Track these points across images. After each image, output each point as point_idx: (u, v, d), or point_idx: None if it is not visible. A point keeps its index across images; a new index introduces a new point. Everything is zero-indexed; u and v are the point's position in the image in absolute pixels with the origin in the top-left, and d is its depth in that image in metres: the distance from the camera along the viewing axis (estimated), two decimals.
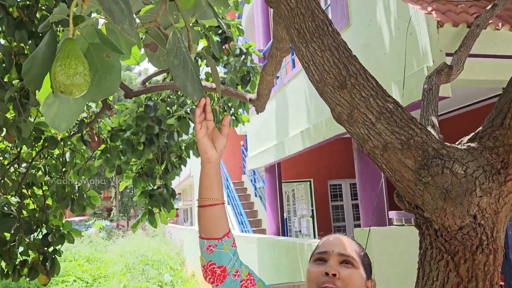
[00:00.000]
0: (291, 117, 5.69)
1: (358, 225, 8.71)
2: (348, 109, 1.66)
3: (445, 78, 2.39)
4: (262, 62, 7.02)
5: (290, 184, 8.85)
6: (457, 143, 1.62)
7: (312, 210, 8.35)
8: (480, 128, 1.55)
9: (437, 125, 2.04)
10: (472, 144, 1.50)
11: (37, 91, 0.84)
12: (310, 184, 8.50)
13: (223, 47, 4.53)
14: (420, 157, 1.46)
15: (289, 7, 1.89)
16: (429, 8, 3.23)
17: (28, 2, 2.85)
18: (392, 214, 3.42)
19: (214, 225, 1.04)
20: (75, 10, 0.81)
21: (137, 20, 1.11)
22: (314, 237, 8.21)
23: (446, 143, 1.51)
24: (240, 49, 4.37)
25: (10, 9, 2.80)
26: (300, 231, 8.51)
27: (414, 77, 2.98)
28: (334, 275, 1.07)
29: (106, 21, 0.95)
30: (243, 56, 4.38)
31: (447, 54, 2.92)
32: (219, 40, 4.43)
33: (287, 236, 7.94)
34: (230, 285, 1.02)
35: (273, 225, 6.66)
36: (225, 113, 4.91)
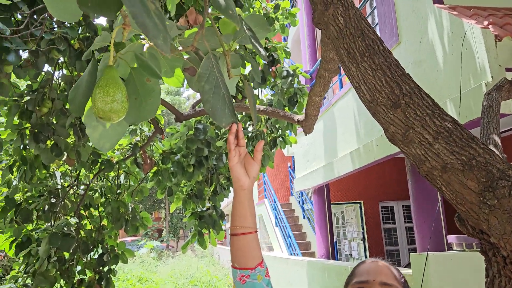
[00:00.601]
0: (340, 137, 5.60)
1: (413, 249, 8.30)
2: (402, 129, 1.61)
3: (506, 94, 2.26)
4: (309, 83, 7.01)
5: (339, 206, 8.65)
6: None
7: (363, 233, 8.08)
8: None
9: (500, 144, 1.93)
10: None
11: (85, 120, 0.87)
12: (360, 206, 8.25)
13: (270, 69, 4.58)
14: (483, 179, 1.38)
15: (338, 27, 1.88)
16: (485, 23, 3.10)
17: (87, 34, 3.03)
18: (452, 238, 3.22)
19: (247, 254, 1.02)
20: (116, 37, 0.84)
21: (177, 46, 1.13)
22: None
23: None
24: (287, 71, 4.40)
25: (72, 41, 2.99)
26: (350, 255, 8.24)
27: (471, 94, 2.84)
28: None
29: (149, 45, 0.97)
30: (290, 78, 4.40)
31: (507, 69, 2.77)
32: (266, 63, 4.49)
33: (337, 259, 7.73)
34: None
35: (322, 248, 6.51)
36: (272, 134, 4.92)
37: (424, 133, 1.54)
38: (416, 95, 1.65)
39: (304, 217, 9.83)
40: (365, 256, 7.89)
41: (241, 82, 4.48)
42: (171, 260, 17.17)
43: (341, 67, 1.93)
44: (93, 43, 0.86)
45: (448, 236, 3.24)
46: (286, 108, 4.60)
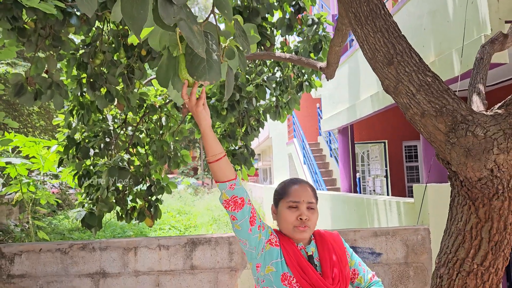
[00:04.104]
0: (363, 81, 5.88)
1: None
2: (394, 82, 2.01)
3: (499, 47, 2.55)
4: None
5: (365, 145, 9.04)
6: (490, 110, 1.90)
7: (386, 170, 8.52)
8: (510, 96, 1.81)
9: (483, 92, 2.29)
10: (499, 111, 1.78)
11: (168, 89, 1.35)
12: (385, 145, 8.61)
13: (296, 17, 4.85)
14: (450, 122, 1.78)
15: None
16: None
17: None
18: None
19: (227, 170, 1.37)
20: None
21: None
22: (388, 195, 8.42)
23: (474, 110, 1.80)
24: (312, 19, 4.66)
25: None
26: (374, 190, 8.77)
27: (473, 45, 3.08)
28: (306, 219, 1.49)
29: None
30: (315, 26, 4.68)
31: (507, 22, 2.97)
32: (293, 10, 4.76)
33: (361, 194, 8.29)
34: (246, 211, 1.41)
35: (346, 183, 7.03)
36: (299, 79, 5.26)
37: (409, 86, 1.94)
38: (407, 54, 2.02)
39: (331, 156, 10.33)
40: (387, 192, 8.40)
41: (269, 29, 4.80)
42: (206, 196, 18.32)
43: (350, 28, 2.30)
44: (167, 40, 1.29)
45: None
46: (312, 54, 4.91)
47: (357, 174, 7.85)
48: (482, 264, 1.74)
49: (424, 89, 1.88)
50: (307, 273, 1.41)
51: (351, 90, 6.33)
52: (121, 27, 4.15)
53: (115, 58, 4.07)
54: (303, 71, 5.22)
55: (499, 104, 1.83)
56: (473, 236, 1.76)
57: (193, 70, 1.22)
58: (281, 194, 1.57)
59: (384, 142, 8.58)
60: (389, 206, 4.11)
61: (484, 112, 1.79)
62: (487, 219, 1.73)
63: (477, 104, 2.22)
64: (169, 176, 25.67)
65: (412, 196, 8.73)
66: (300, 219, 1.48)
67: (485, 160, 1.67)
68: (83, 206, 4.30)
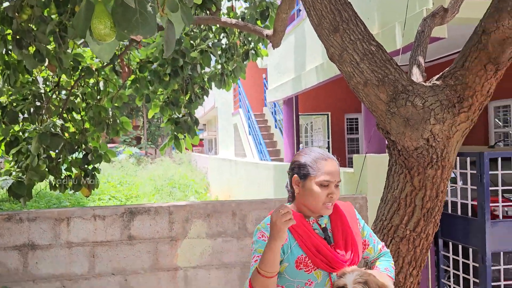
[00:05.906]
0: (308, 51, 5.89)
1: None
2: (339, 50, 1.98)
3: (440, 20, 2.60)
4: None
5: (309, 116, 9.18)
6: (428, 81, 1.93)
7: (328, 142, 8.75)
8: (447, 68, 1.85)
9: (423, 64, 2.33)
10: (437, 82, 1.82)
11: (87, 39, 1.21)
12: (328, 117, 8.81)
13: None
14: (391, 92, 1.80)
15: None
16: None
17: None
18: None
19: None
20: None
21: None
22: None
23: (414, 81, 1.83)
24: None
25: None
26: None
27: (415, 18, 3.15)
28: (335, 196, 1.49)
29: None
30: None
31: None
32: None
33: None
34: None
35: (289, 153, 7.14)
36: (245, 47, 5.14)
37: (354, 55, 1.92)
38: (353, 22, 1.99)
39: (276, 127, 10.41)
40: None
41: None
42: (149, 166, 17.90)
43: None
44: None
45: None
46: (258, 22, 4.80)
47: (301, 145, 7.98)
48: (415, 230, 1.82)
49: (368, 58, 1.87)
50: (320, 251, 1.44)
51: (296, 60, 6.34)
52: None
53: (45, 14, 3.72)
54: (250, 39, 5.10)
55: (437, 75, 1.87)
56: (407, 203, 1.83)
57: (124, 23, 1.09)
58: (312, 169, 1.50)
59: (327, 114, 8.77)
60: None
61: (423, 83, 1.82)
62: (421, 187, 1.79)
63: (416, 76, 2.26)
64: (110, 145, 24.74)
65: (352, 167, 9.05)
66: (331, 197, 1.47)
67: (422, 129, 1.71)
68: (10, 175, 3.99)
